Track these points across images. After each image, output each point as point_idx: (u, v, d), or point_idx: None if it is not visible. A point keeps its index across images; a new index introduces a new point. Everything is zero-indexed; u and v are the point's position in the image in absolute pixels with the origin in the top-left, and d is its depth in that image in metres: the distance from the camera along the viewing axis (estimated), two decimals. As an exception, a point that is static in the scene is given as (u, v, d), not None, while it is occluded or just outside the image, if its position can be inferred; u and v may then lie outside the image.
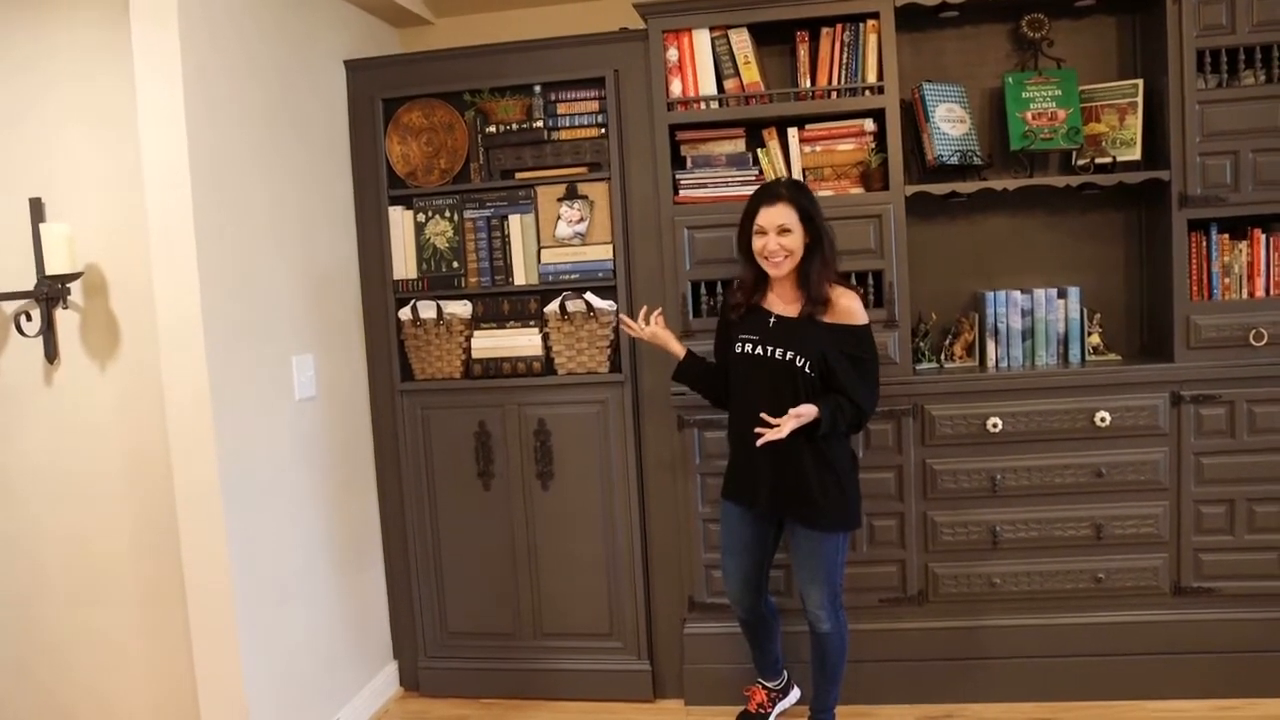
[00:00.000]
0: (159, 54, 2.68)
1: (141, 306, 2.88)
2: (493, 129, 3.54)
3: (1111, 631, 3.30)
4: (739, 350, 2.95)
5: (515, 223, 3.55)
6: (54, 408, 3.02)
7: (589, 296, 3.47)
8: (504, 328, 3.60)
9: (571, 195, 3.50)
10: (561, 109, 3.52)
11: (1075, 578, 3.30)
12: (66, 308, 2.94)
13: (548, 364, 3.58)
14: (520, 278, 3.57)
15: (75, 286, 2.94)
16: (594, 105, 3.48)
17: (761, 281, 2.98)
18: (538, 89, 3.50)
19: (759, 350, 2.91)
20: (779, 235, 2.85)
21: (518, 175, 3.55)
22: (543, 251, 3.54)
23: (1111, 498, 3.27)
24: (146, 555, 3.01)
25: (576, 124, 3.51)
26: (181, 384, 2.77)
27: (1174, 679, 3.28)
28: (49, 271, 2.84)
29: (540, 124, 3.52)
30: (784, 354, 2.86)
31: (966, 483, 3.31)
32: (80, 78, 2.92)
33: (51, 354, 2.97)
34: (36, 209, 2.93)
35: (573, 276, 3.52)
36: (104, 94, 2.89)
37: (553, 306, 3.50)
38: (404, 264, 3.62)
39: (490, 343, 3.60)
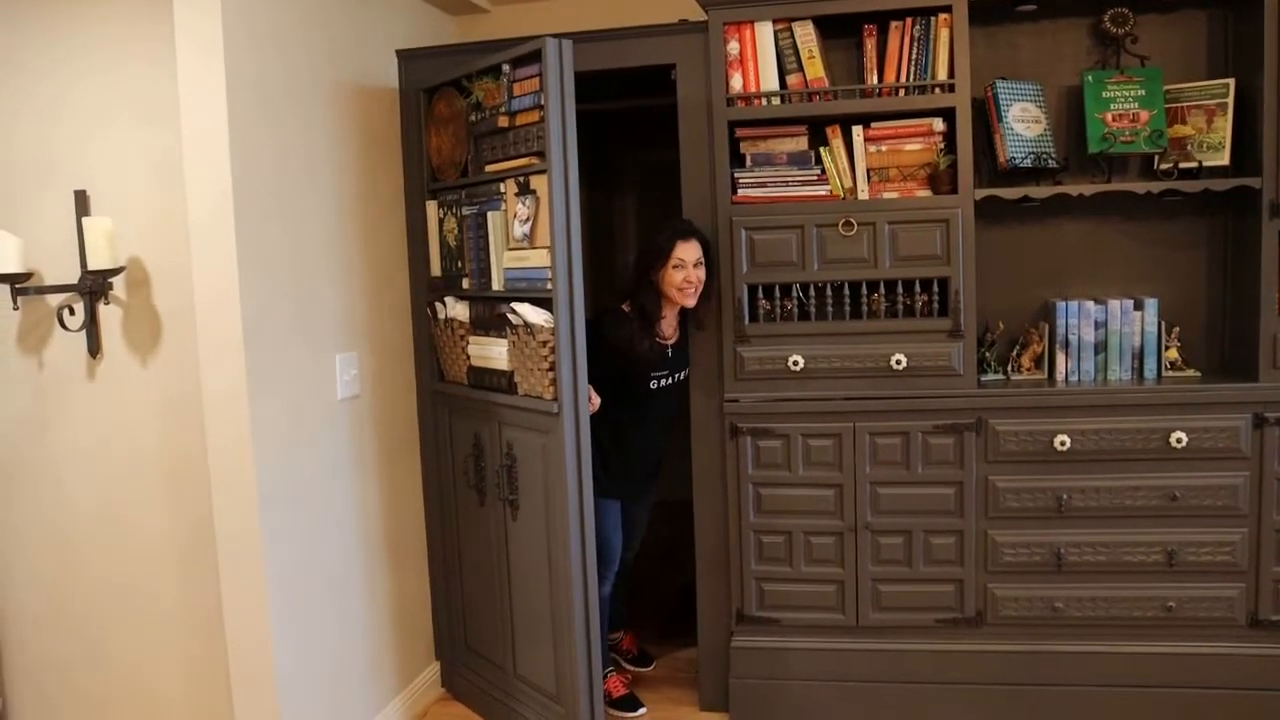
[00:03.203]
0: (201, 44, 2.61)
1: (183, 302, 2.82)
2: (474, 117, 3.14)
3: (1181, 663, 3.14)
4: (654, 386, 3.30)
5: (491, 220, 3.09)
6: (96, 402, 2.98)
7: (520, 307, 2.93)
8: (488, 335, 3.17)
9: (524, 190, 2.94)
10: (516, 89, 2.91)
11: (1144, 605, 3.14)
12: (109, 302, 2.88)
13: (511, 381, 3.09)
14: (496, 282, 3.11)
15: (118, 281, 2.89)
16: (534, 84, 2.83)
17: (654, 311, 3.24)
18: (506, 67, 2.94)
19: (668, 380, 3.33)
20: (696, 268, 3.19)
21: (487, 167, 3.12)
22: (506, 255, 3.06)
23: (1186, 523, 3.10)
24: (184, 550, 2.97)
25: (525, 106, 2.89)
26: (220, 382, 2.71)
27: (1247, 717, 3.11)
28: (91, 266, 2.78)
29: (503, 108, 2.97)
30: (681, 376, 3.38)
31: (1030, 502, 3.16)
32: (125, 69, 2.84)
33: (94, 348, 2.93)
34: (81, 201, 2.87)
35: (521, 285, 2.99)
36: (149, 85, 2.82)
37: (505, 317, 3.03)
38: (436, 261, 3.47)
39: (478, 350, 3.22)
